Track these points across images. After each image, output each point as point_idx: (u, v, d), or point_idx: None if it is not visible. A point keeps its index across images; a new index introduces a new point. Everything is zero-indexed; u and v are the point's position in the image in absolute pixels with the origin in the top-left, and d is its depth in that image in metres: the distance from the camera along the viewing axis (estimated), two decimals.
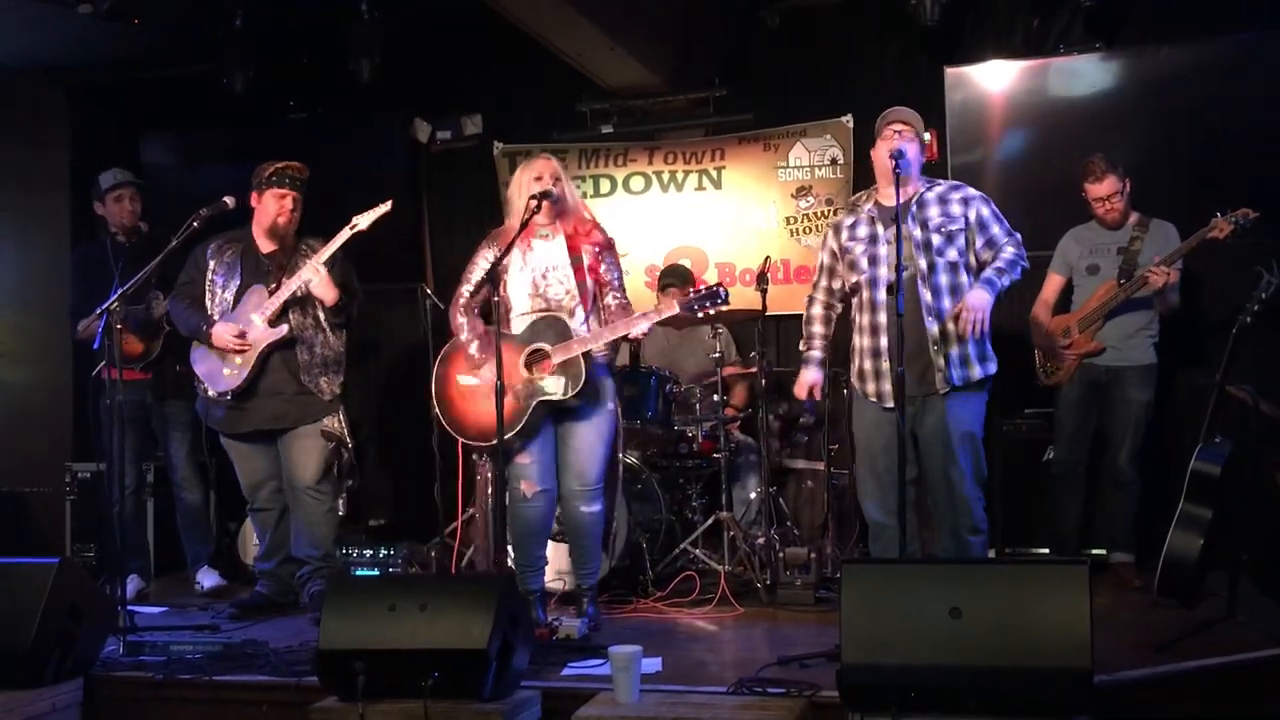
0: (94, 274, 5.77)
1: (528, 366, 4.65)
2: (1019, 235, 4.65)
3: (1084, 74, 6.16)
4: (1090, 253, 5.58)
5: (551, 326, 4.66)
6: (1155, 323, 5.51)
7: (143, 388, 5.84)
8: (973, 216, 4.60)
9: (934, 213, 4.60)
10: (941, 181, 4.74)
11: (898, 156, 4.38)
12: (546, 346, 4.63)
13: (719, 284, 4.57)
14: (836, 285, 4.87)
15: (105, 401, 4.86)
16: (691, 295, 4.59)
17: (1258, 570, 4.72)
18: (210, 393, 5.20)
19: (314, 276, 5.10)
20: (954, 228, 4.57)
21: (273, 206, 5.24)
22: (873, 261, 4.63)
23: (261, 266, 5.27)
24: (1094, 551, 5.61)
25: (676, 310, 4.59)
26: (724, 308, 4.63)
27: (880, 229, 4.64)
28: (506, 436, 4.49)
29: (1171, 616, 4.48)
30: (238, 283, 5.24)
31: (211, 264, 5.30)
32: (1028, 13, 6.41)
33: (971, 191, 4.68)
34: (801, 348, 4.95)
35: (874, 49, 6.77)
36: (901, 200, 4.57)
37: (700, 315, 4.66)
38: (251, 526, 5.75)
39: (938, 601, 3.21)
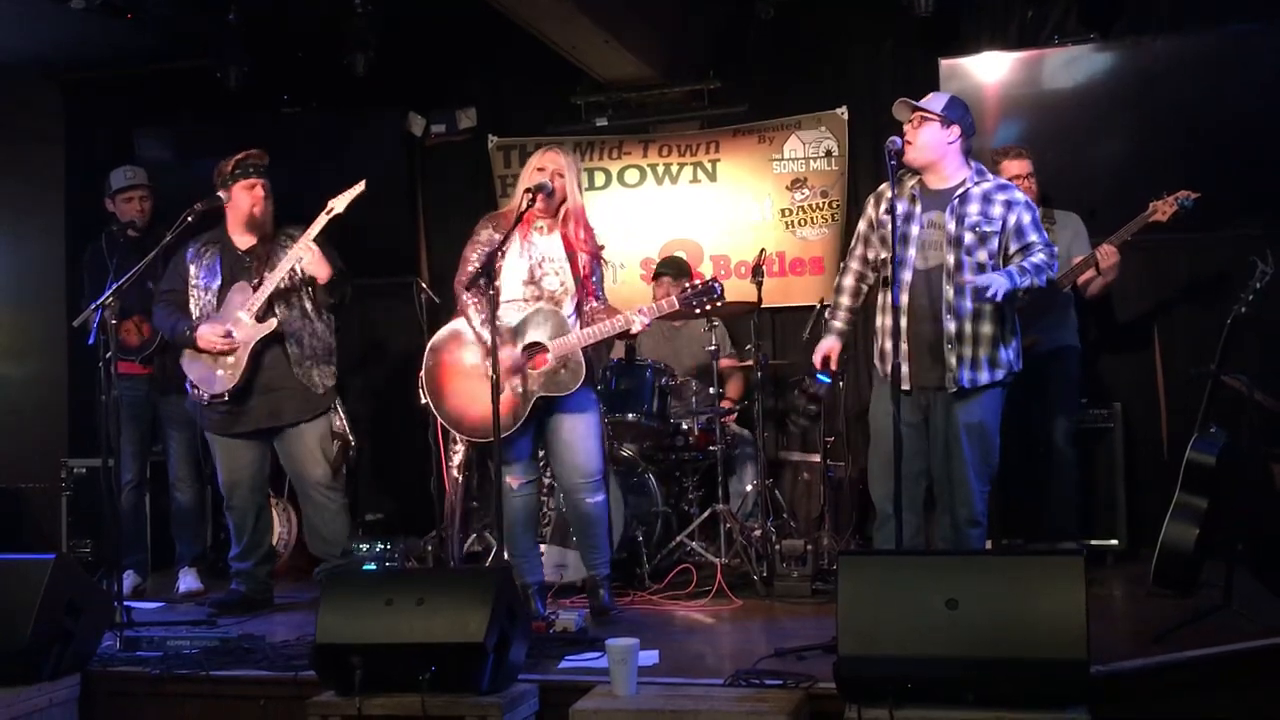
0: (100, 271, 5.76)
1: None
2: (1054, 248, 4.62)
3: (1079, 65, 6.16)
4: None
5: (549, 319, 4.66)
6: (1072, 308, 5.55)
7: (144, 382, 5.83)
8: (1011, 221, 4.51)
9: (973, 210, 4.52)
10: (992, 177, 4.64)
11: (891, 153, 4.34)
12: (545, 340, 4.63)
13: (714, 279, 4.56)
14: (871, 255, 4.77)
15: (103, 396, 4.84)
16: (689, 291, 4.57)
17: (1254, 560, 4.73)
18: (206, 397, 5.15)
19: (306, 254, 5.04)
20: (989, 229, 4.49)
21: (245, 199, 5.21)
22: (904, 241, 4.54)
23: (242, 263, 5.23)
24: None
25: (677, 306, 4.59)
26: (720, 303, 4.61)
27: (918, 209, 4.59)
28: (509, 433, 4.55)
29: (1167, 606, 4.49)
30: (218, 283, 5.21)
31: (192, 269, 5.27)
32: (1022, 4, 6.40)
33: (1018, 195, 4.59)
34: (826, 315, 4.93)
35: (868, 41, 6.77)
36: (945, 186, 4.57)
37: (698, 311, 4.67)
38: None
39: (934, 593, 3.21)
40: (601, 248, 4.89)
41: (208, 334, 5.10)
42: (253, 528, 5.31)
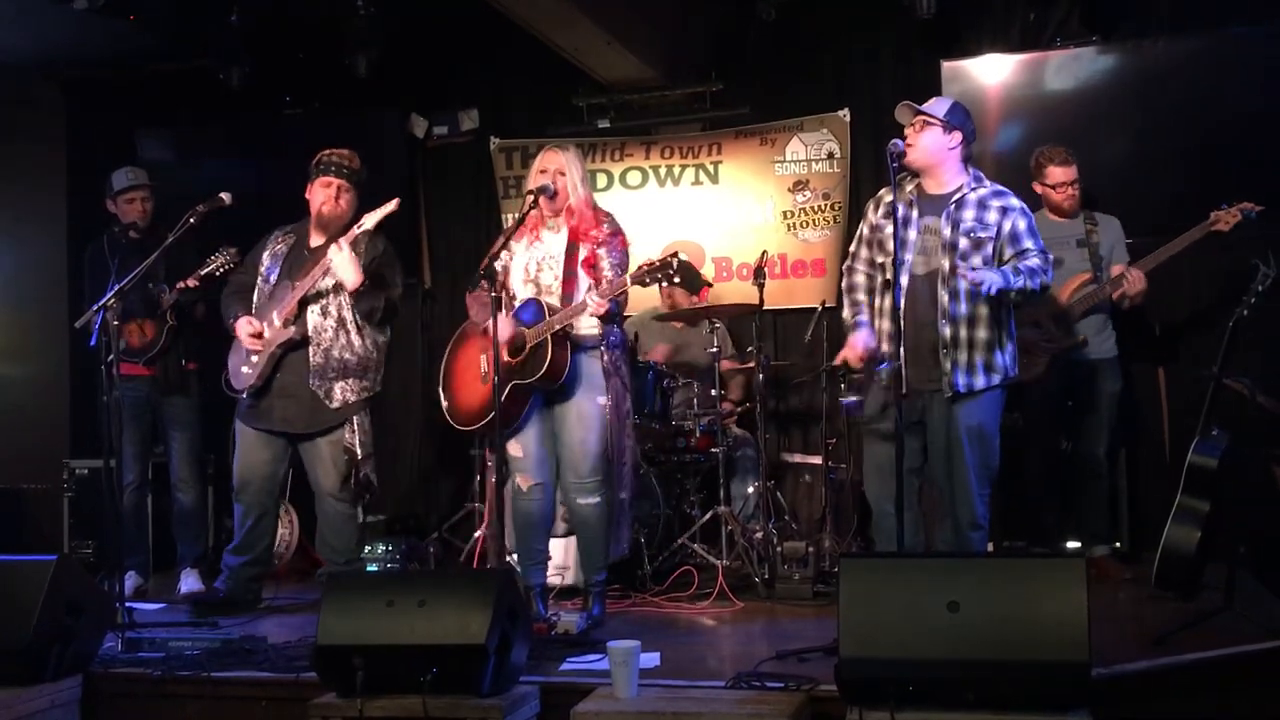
0: (101, 271, 5.77)
1: (513, 351, 4.64)
2: (1050, 254, 4.60)
3: (1080, 67, 6.16)
4: (1048, 246, 5.57)
5: (529, 308, 4.65)
6: (1110, 316, 5.57)
7: (145, 383, 5.83)
8: (1007, 228, 4.50)
9: (969, 215, 4.51)
10: (989, 183, 4.62)
11: (893, 155, 4.32)
12: (525, 331, 4.63)
13: (672, 254, 4.47)
14: (878, 258, 4.71)
15: (105, 397, 4.83)
16: (643, 269, 4.44)
17: (1255, 562, 4.73)
18: (236, 389, 5.21)
19: (336, 255, 4.98)
20: (984, 235, 4.47)
21: (318, 196, 5.20)
22: (902, 245, 4.50)
23: (301, 261, 5.20)
24: (1069, 545, 5.62)
25: (629, 285, 4.46)
26: (675, 279, 4.51)
27: (915, 214, 4.57)
28: (484, 423, 4.55)
29: (1169, 609, 4.48)
30: (276, 275, 5.22)
31: (265, 255, 5.28)
32: (1024, 6, 6.41)
33: (1014, 202, 4.56)
34: (846, 315, 4.76)
35: (870, 43, 6.77)
36: (943, 191, 4.57)
37: (648, 283, 4.50)
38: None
39: (936, 595, 3.21)
40: (613, 233, 4.73)
41: (241, 328, 5.15)
42: (251, 527, 5.27)
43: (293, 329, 5.09)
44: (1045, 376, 5.48)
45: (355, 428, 5.16)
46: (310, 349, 5.10)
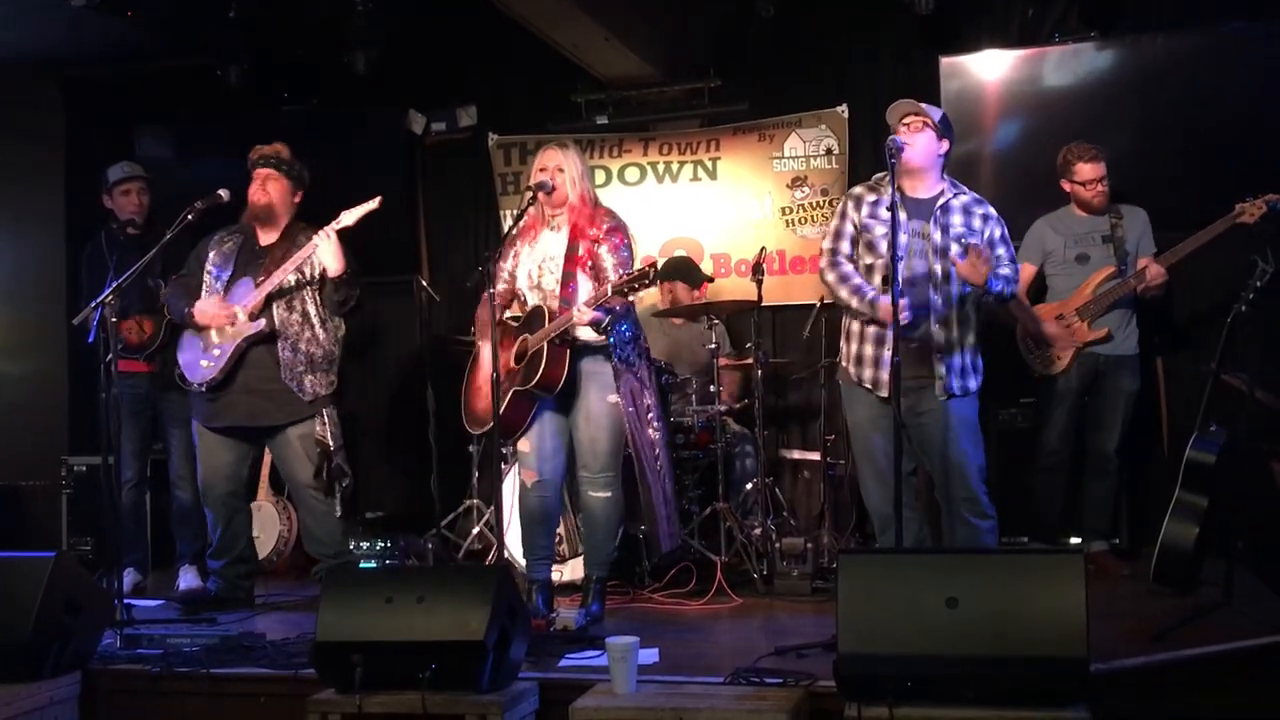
0: (100, 268, 5.77)
1: (518, 358, 4.66)
2: (1019, 265, 4.82)
3: (1080, 63, 6.16)
4: (1075, 242, 5.59)
5: (538, 317, 4.66)
6: (1135, 313, 5.57)
7: (144, 380, 5.83)
8: (987, 235, 4.62)
9: (957, 221, 4.60)
10: (967, 191, 4.71)
11: (893, 151, 4.32)
12: (528, 337, 4.65)
13: (650, 264, 4.45)
14: (866, 259, 4.72)
15: (103, 394, 4.82)
16: (623, 279, 4.40)
17: (1254, 557, 4.73)
18: (191, 383, 5.20)
19: (323, 241, 5.02)
20: (973, 241, 4.56)
21: (250, 190, 5.25)
22: (889, 246, 4.52)
23: (256, 258, 5.24)
24: (1069, 540, 5.63)
25: (609, 294, 4.42)
26: (651, 286, 4.48)
27: (903, 216, 4.57)
28: (490, 425, 4.56)
29: (1168, 605, 4.49)
30: (229, 274, 5.23)
31: (211, 254, 5.29)
32: (1023, 2, 6.40)
33: (992, 210, 4.70)
34: (856, 297, 4.62)
35: (869, 39, 6.76)
36: (926, 195, 4.62)
37: (629, 296, 4.45)
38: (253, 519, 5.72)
39: (934, 591, 3.21)
40: (611, 229, 4.69)
41: (206, 307, 5.14)
42: (224, 530, 5.28)
43: (261, 322, 5.11)
44: (1067, 370, 5.51)
45: (326, 420, 5.23)
46: (279, 343, 5.14)
